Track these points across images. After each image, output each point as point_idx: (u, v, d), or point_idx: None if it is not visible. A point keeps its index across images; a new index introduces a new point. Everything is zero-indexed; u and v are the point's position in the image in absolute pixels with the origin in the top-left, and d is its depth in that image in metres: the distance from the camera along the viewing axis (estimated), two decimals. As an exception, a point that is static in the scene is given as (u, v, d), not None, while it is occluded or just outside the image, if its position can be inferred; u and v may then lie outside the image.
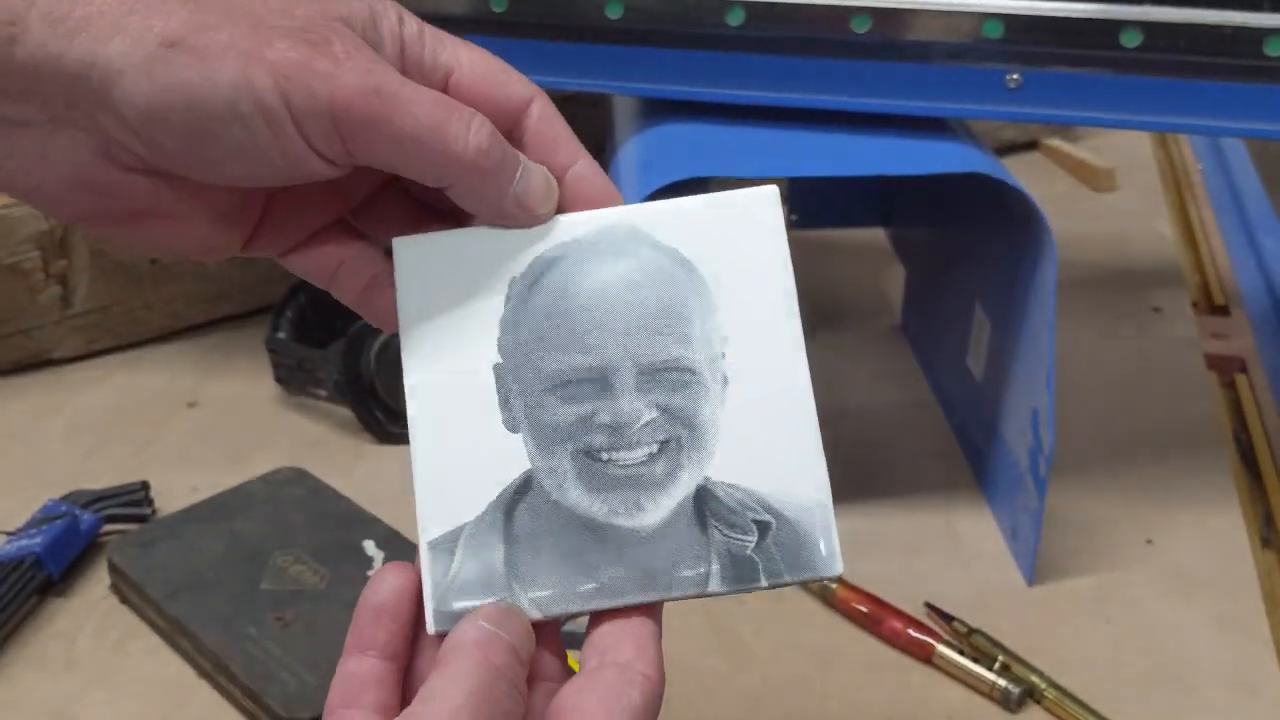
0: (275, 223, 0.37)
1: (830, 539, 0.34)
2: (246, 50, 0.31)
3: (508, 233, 0.35)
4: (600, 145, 0.74)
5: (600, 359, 0.34)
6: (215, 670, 0.54)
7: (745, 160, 0.58)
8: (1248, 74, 0.54)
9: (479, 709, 0.29)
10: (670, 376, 0.34)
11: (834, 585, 0.59)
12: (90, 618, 0.60)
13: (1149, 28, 0.54)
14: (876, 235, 0.91)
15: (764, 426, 0.34)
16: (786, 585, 0.34)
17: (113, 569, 0.60)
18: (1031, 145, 1.11)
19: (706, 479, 0.34)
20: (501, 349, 0.35)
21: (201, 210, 0.35)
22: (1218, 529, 0.64)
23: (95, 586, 0.61)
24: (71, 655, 0.57)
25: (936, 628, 0.57)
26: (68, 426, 0.76)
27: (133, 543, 0.61)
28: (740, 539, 0.34)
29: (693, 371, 0.34)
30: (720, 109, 0.59)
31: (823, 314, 0.85)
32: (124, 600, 0.60)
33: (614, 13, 0.58)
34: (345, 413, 0.73)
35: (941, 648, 0.55)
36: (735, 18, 0.57)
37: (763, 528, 0.34)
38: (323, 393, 0.74)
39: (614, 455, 0.34)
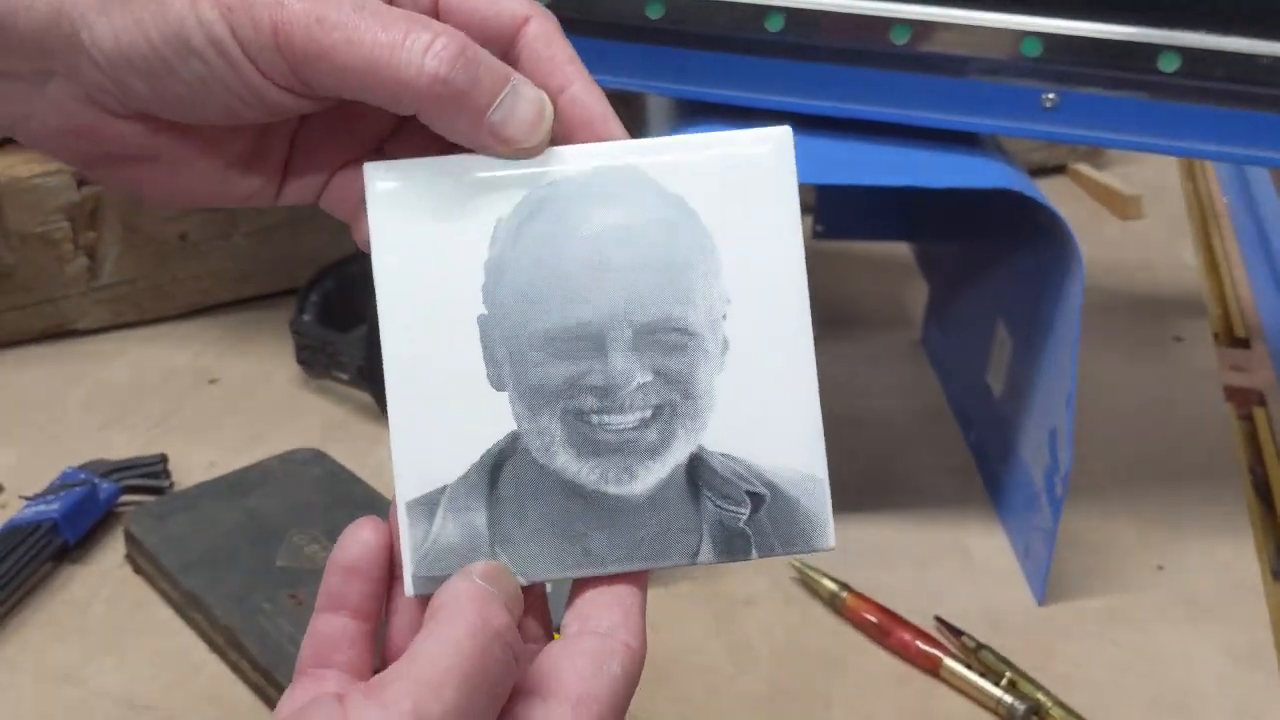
0: (302, 164, 0.36)
1: (824, 512, 0.33)
2: None
3: (494, 164, 0.32)
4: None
5: (593, 314, 0.32)
6: (227, 645, 0.55)
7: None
8: (1284, 105, 0.55)
9: (470, 674, 0.28)
10: (667, 338, 0.32)
11: (844, 594, 0.59)
12: (104, 585, 0.60)
13: (1188, 53, 0.54)
14: (901, 249, 0.91)
15: (763, 395, 0.33)
16: (776, 556, 0.33)
17: (129, 539, 0.61)
18: (1059, 169, 1.11)
19: (700, 447, 0.33)
20: (486, 297, 0.32)
21: (205, 154, 0.34)
22: (1229, 559, 0.64)
23: (110, 555, 0.62)
24: (83, 622, 0.58)
25: (945, 641, 0.57)
26: (89, 397, 0.76)
27: (150, 514, 0.62)
28: (733, 510, 0.33)
29: (691, 333, 0.32)
30: (754, 113, 0.59)
31: (844, 325, 0.85)
32: (138, 570, 0.61)
33: (654, 12, 0.58)
34: (365, 397, 0.74)
35: (949, 661, 0.55)
36: (775, 23, 0.57)
37: (756, 500, 0.33)
38: (344, 376, 0.74)
39: (605, 419, 0.32)
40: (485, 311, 0.32)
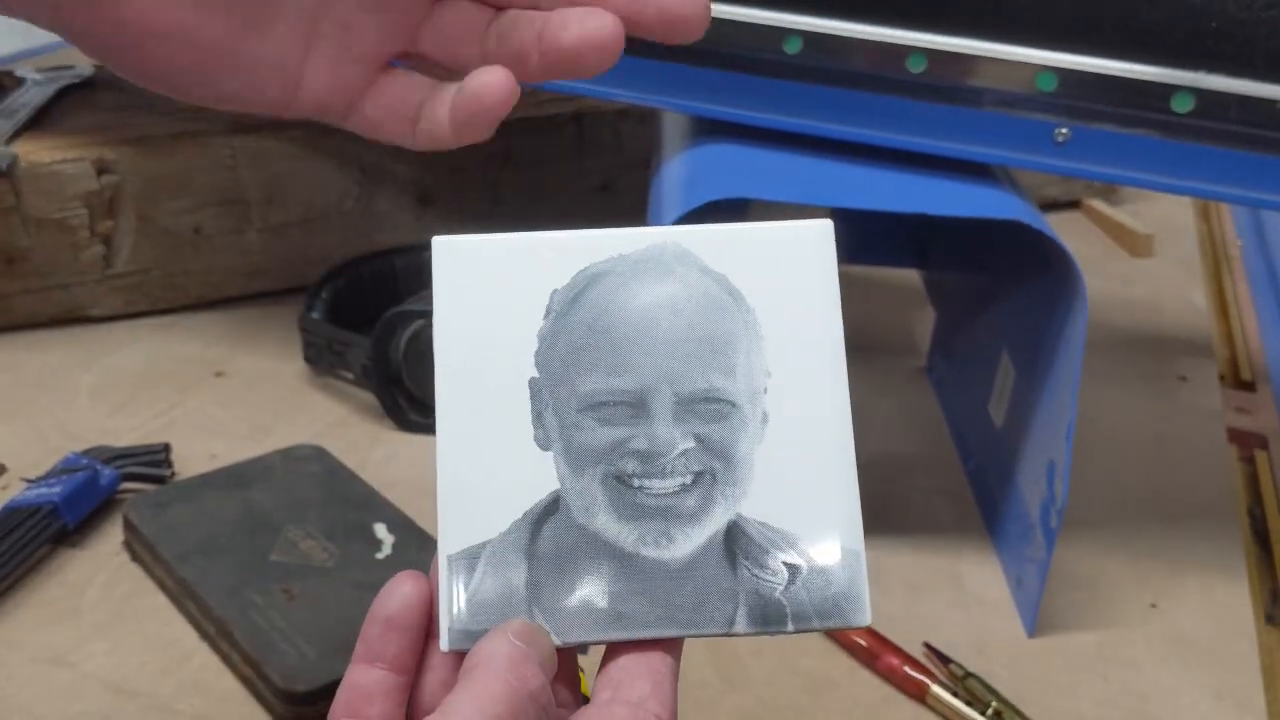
0: (327, 56, 0.34)
1: (860, 588, 0.33)
2: None
3: (553, 240, 0.34)
4: (645, 160, 0.75)
5: (639, 382, 0.33)
6: (218, 635, 0.55)
7: (789, 186, 0.59)
8: (1297, 150, 0.55)
9: None
10: (710, 407, 0.33)
11: (835, 615, 0.59)
12: (100, 571, 0.60)
13: (1202, 95, 0.55)
14: (909, 276, 0.91)
15: (801, 468, 0.34)
16: (813, 631, 0.33)
17: (127, 525, 0.61)
18: (1073, 204, 1.11)
19: (739, 515, 0.33)
20: (538, 363, 0.34)
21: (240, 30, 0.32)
22: (1223, 600, 0.64)
23: (108, 541, 0.62)
24: (78, 605, 0.58)
25: (933, 668, 0.57)
26: (96, 383, 0.77)
27: (149, 502, 0.62)
28: (770, 580, 0.33)
29: (733, 404, 0.33)
30: (768, 134, 0.60)
31: (849, 349, 0.85)
32: (135, 557, 0.61)
33: (674, 30, 0.58)
34: (369, 397, 0.74)
35: (936, 688, 0.55)
36: (793, 46, 0.58)
37: (793, 570, 0.33)
38: (350, 375, 0.75)
39: (646, 483, 0.33)
40: (536, 375, 0.34)
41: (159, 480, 0.66)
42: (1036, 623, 0.60)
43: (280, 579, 0.57)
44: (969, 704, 0.54)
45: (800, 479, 0.34)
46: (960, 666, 0.57)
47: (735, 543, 0.33)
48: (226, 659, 0.55)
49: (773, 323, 0.34)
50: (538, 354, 0.34)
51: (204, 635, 0.56)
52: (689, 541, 0.33)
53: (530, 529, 0.33)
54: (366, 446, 0.71)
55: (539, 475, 0.33)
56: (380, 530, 0.61)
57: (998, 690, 0.55)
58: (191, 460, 0.68)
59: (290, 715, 0.51)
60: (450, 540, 0.33)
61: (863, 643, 0.58)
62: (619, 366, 0.33)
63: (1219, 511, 0.71)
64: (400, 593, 0.32)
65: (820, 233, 0.35)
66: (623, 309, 0.34)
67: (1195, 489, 0.73)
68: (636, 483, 0.33)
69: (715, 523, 0.33)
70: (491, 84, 0.33)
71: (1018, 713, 0.54)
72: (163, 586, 0.59)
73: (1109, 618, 0.62)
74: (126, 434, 0.70)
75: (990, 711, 0.54)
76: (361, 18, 0.34)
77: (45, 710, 0.52)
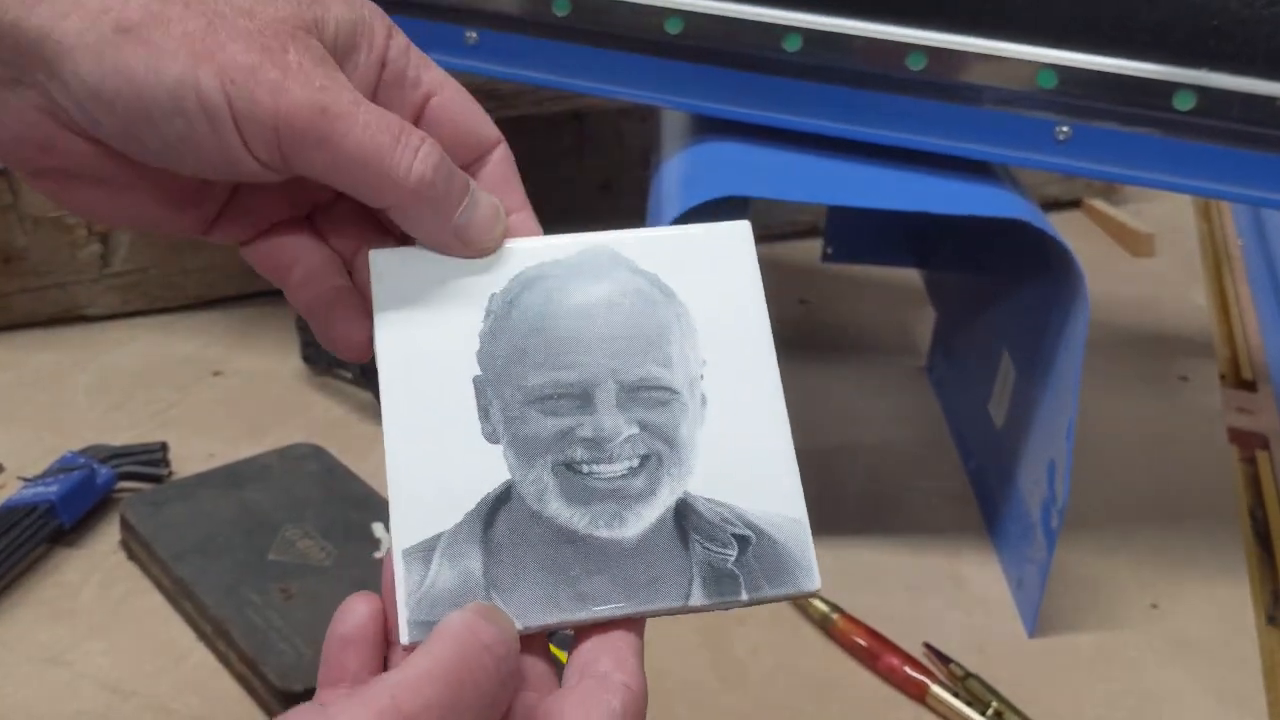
0: (238, 211, 0.37)
1: (808, 555, 0.34)
2: (198, 49, 0.31)
3: None
4: (645, 159, 0.75)
5: (581, 375, 0.35)
6: (215, 634, 0.55)
7: (788, 185, 0.59)
8: (1298, 148, 0.54)
9: (451, 676, 0.28)
10: (650, 394, 0.35)
11: (835, 616, 0.59)
12: (97, 570, 0.60)
13: (1203, 92, 0.54)
14: (910, 275, 0.91)
15: (741, 446, 0.35)
16: (767, 601, 0.34)
17: (124, 525, 0.61)
18: (1074, 204, 1.11)
19: (686, 493, 0.34)
20: (481, 362, 0.35)
21: (149, 186, 0.35)
22: (1224, 601, 0.64)
23: (105, 540, 0.62)
24: (74, 604, 0.58)
25: (933, 668, 0.57)
26: (93, 382, 0.76)
27: (146, 501, 0.62)
28: (721, 552, 0.34)
29: (672, 391, 0.35)
30: (768, 132, 0.60)
31: (849, 349, 0.85)
32: (131, 556, 0.61)
33: (674, 28, 0.58)
34: (367, 397, 0.74)
35: (936, 688, 0.55)
36: (792, 43, 0.58)
37: (742, 542, 0.34)
38: (347, 375, 0.74)
39: (595, 468, 0.34)
40: (480, 372, 0.35)
41: (156, 479, 0.66)
42: (1037, 623, 0.60)
43: (278, 578, 0.57)
44: (969, 704, 0.54)
45: (742, 456, 0.35)
46: (960, 667, 0.57)
47: (685, 520, 0.34)
48: (223, 658, 0.54)
49: (703, 315, 0.36)
50: (479, 353, 0.35)
51: (201, 634, 0.56)
52: (640, 521, 0.34)
53: (484, 519, 0.33)
54: (364, 446, 0.71)
55: (489, 467, 0.34)
56: (378, 529, 0.61)
57: (998, 690, 0.55)
58: (189, 459, 0.68)
59: (287, 715, 0.51)
60: (403, 535, 0.33)
61: (863, 643, 0.57)
62: (561, 362, 0.35)
63: (1220, 512, 0.71)
64: (353, 611, 0.33)
65: (740, 232, 0.37)
66: (560, 307, 0.35)
67: (1196, 489, 0.73)
68: (585, 469, 0.34)
69: (664, 502, 0.34)
70: None
71: (1018, 713, 0.54)
72: (159, 586, 0.59)
73: (1110, 618, 0.62)
74: (123, 433, 0.70)
75: (990, 712, 0.54)
76: (268, 202, 0.37)
77: (42, 710, 0.52)
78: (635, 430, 0.34)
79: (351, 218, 0.37)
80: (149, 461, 0.66)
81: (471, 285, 0.35)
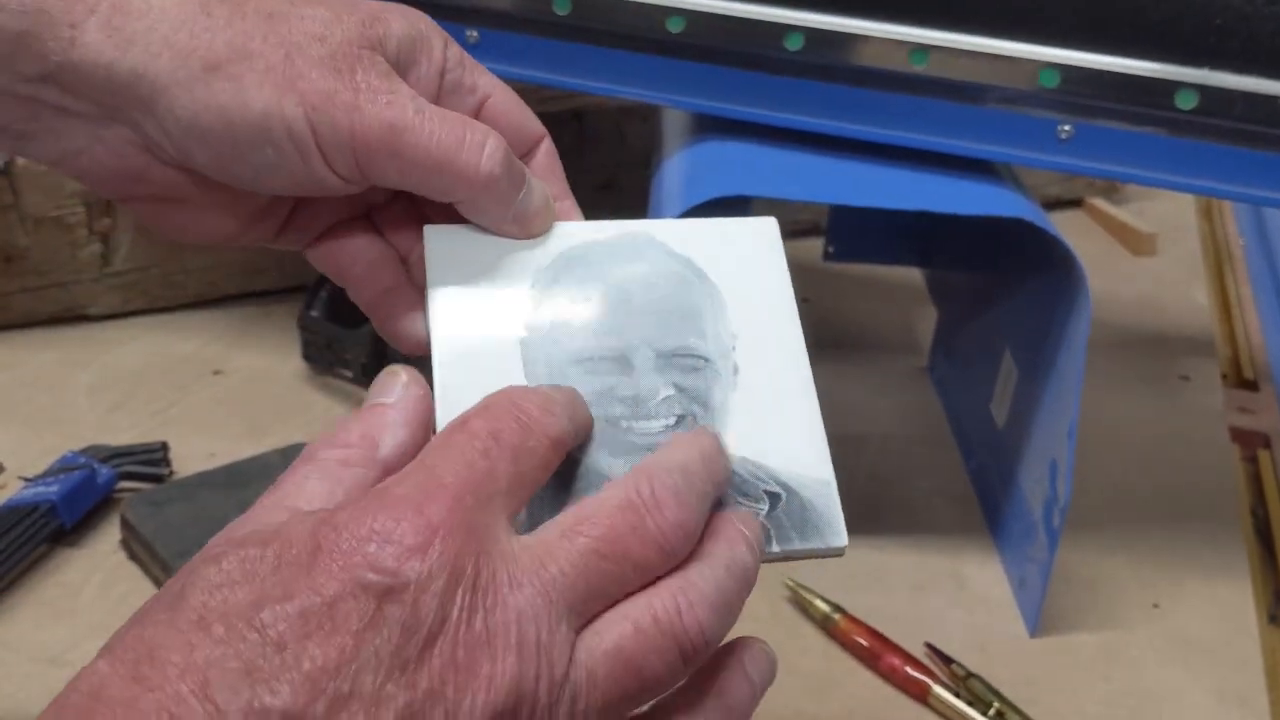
0: (303, 217, 0.39)
1: (836, 514, 0.36)
2: (280, 81, 0.33)
3: None
4: (647, 158, 0.74)
5: (620, 342, 0.37)
6: (215, 634, 0.55)
7: (791, 184, 0.59)
8: (1300, 147, 0.54)
9: (479, 428, 0.31)
10: (685, 361, 0.37)
11: (836, 616, 0.59)
12: (98, 570, 0.60)
13: (1206, 91, 0.54)
14: (912, 274, 0.91)
15: (772, 412, 0.37)
16: (797, 556, 0.35)
17: (124, 525, 0.61)
18: (1076, 203, 1.11)
19: None
20: (527, 327, 0.37)
21: (231, 205, 0.38)
22: (1226, 601, 0.63)
23: (105, 540, 0.62)
24: (75, 605, 0.58)
25: (934, 668, 0.57)
26: (94, 382, 0.76)
27: (146, 501, 0.62)
28: (753, 506, 0.35)
29: (706, 359, 0.37)
30: (769, 131, 0.60)
31: (851, 347, 0.85)
32: (132, 556, 0.61)
33: (675, 26, 0.58)
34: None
35: (937, 688, 0.55)
36: (794, 42, 0.57)
37: (773, 498, 0.36)
38: (349, 374, 0.74)
39: (635, 424, 0.36)
40: (526, 335, 0.37)
41: (157, 479, 0.66)
42: (1039, 623, 0.60)
43: (278, 578, 0.57)
44: (971, 704, 0.54)
45: (772, 421, 0.37)
46: (962, 667, 0.57)
47: None
48: (224, 659, 0.54)
49: (734, 296, 0.38)
50: (527, 321, 0.37)
51: (202, 635, 0.56)
52: None
53: None
54: (365, 445, 0.70)
55: None
56: (379, 529, 0.61)
57: (1000, 690, 0.55)
58: (190, 459, 0.68)
59: (288, 715, 0.51)
60: None
61: (864, 642, 0.57)
62: (602, 330, 0.37)
63: (1221, 511, 0.71)
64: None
65: (768, 226, 0.40)
66: (601, 282, 0.38)
67: (1198, 489, 0.73)
68: (625, 424, 0.36)
69: None
70: None
71: (1019, 713, 0.54)
72: (160, 586, 0.59)
73: (1111, 618, 0.62)
74: (124, 432, 0.70)
75: (992, 712, 0.54)
76: (330, 207, 0.40)
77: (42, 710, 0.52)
78: (672, 391, 0.36)
79: (407, 214, 0.40)
80: (150, 461, 0.66)
81: (520, 260, 0.38)
